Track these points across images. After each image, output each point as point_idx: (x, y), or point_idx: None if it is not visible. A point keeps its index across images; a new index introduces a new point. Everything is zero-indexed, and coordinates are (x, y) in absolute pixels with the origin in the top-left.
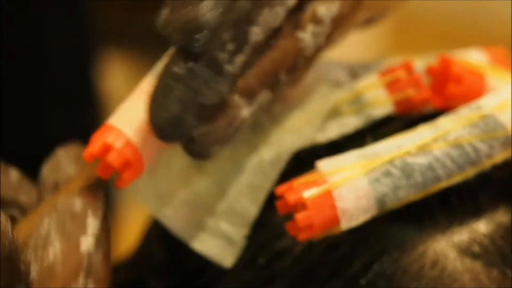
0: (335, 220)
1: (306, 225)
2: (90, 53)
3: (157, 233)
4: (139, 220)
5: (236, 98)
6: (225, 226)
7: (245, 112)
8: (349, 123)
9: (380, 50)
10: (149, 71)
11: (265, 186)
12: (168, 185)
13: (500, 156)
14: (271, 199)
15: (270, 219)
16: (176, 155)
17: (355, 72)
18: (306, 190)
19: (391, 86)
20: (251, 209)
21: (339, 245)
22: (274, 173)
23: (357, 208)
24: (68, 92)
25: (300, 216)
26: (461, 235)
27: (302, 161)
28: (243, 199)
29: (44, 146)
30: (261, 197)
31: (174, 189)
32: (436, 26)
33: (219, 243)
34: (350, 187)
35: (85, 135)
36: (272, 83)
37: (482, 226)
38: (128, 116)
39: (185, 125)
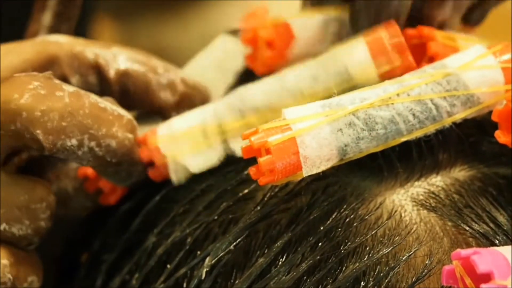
0: (297, 167)
1: (268, 169)
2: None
3: None
4: None
5: None
6: None
7: None
8: None
9: None
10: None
11: None
12: None
13: (460, 114)
14: None
15: (234, 166)
16: None
17: None
18: (271, 135)
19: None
20: None
21: (300, 193)
22: None
23: (319, 156)
24: None
25: (263, 160)
26: (419, 188)
27: None
28: None
29: None
30: None
31: None
32: None
33: None
34: (313, 136)
35: None
36: None
37: (439, 181)
38: None
39: None
